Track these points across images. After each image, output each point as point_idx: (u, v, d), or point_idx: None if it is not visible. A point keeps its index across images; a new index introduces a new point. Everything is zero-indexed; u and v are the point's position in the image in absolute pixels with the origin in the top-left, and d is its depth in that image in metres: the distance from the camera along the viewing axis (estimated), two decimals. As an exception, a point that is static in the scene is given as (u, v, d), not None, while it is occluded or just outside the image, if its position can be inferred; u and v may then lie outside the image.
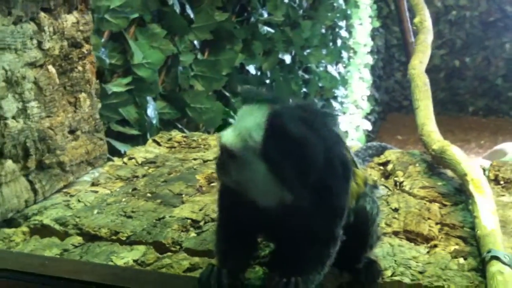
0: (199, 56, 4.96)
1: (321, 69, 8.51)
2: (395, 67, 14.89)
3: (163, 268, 2.04)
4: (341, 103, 9.77)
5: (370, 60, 11.82)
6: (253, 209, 1.58)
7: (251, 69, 5.83)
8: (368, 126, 11.59)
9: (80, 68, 2.80)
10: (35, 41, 2.51)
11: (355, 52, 10.68)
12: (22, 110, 2.46)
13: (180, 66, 4.67)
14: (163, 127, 4.52)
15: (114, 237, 2.28)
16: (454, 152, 2.59)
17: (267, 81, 6.34)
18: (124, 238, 2.27)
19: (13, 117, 2.41)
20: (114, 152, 3.86)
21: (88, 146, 2.89)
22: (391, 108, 15.19)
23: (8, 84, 2.36)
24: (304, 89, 7.74)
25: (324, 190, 1.56)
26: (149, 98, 4.25)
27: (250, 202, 1.56)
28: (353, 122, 10.66)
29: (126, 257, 2.13)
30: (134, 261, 2.11)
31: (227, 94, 5.44)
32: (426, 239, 2.23)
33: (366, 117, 11.87)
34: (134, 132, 4.11)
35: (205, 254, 2.11)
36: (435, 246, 2.18)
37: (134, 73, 4.13)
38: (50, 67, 2.61)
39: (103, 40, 3.80)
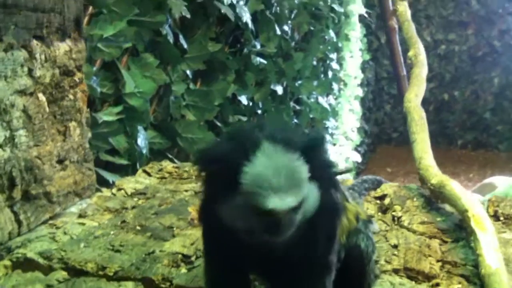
0: (192, 86, 4.91)
1: (312, 100, 8.51)
2: (385, 100, 14.99)
3: (153, 307, 1.94)
4: (332, 135, 9.75)
5: (360, 92, 11.86)
6: (244, 246, 1.49)
7: (243, 99, 5.79)
8: (358, 158, 11.56)
9: (71, 96, 2.73)
10: (25, 69, 2.43)
11: (345, 84, 10.73)
12: (10, 139, 2.37)
13: (172, 96, 4.61)
14: (153, 157, 4.43)
15: (101, 272, 2.18)
16: (454, 187, 2.52)
17: (259, 111, 6.30)
18: (111, 274, 2.16)
19: (0, 146, 2.32)
20: (103, 182, 3.76)
21: (77, 176, 2.80)
22: (381, 140, 15.24)
23: (-4, 112, 2.28)
24: (295, 120, 7.71)
25: (318, 222, 1.50)
26: (140, 128, 4.17)
27: (242, 240, 1.48)
28: (343, 154, 10.63)
29: (113, 294, 2.03)
30: (122, 298, 2.01)
31: (219, 124, 5.39)
32: (428, 277, 2.14)
33: (355, 149, 11.86)
34: (124, 161, 4.02)
35: (198, 290, 2.01)
36: (437, 285, 2.10)
37: (126, 102, 4.06)
38: (40, 95, 2.54)
39: (95, 68, 3.74)
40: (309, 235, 1.48)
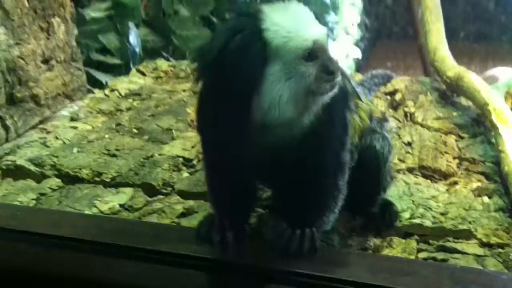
0: (185, -22, 4.58)
1: (312, -7, 8.11)
2: (386, -8, 14.42)
3: (154, 214, 1.81)
4: (332, 30, 9.41)
5: (361, -16, 11.35)
6: (246, 149, 1.31)
7: (239, -8, 5.46)
8: (358, 54, 11.28)
9: (51, -12, 2.47)
10: (-2, -43, 2.17)
11: (346, -24, 10.21)
12: (-14, 37, 2.15)
13: (163, -11, 4.31)
14: (147, 56, 4.21)
15: (97, 179, 2.04)
16: (472, 79, 2.34)
17: (257, 6, 5.97)
18: (108, 180, 2.03)
19: (-24, 45, 2.11)
20: (95, 83, 3.56)
21: (65, 77, 2.60)
22: (381, 34, 14.83)
23: (-32, 7, 2.05)
24: (294, 15, 7.38)
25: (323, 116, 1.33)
26: (131, 25, 3.93)
27: (244, 140, 1.30)
28: (343, 50, 10.35)
29: (111, 201, 1.90)
30: (121, 205, 1.88)
31: (215, 20, 5.11)
32: (445, 176, 2.02)
33: (356, 44, 11.55)
34: (116, 61, 3.82)
35: (200, 196, 1.87)
36: (455, 183, 1.97)
37: (114, -3, 3.80)
38: (17, -13, 2.28)
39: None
40: (322, 127, 1.31)
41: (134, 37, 3.97)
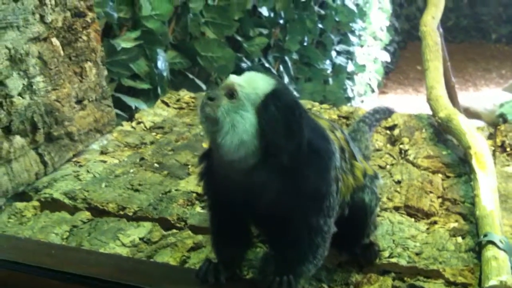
0: (210, 1, 4.85)
1: (338, 2, 8.28)
2: (417, -7, 14.41)
3: (168, 247, 2.12)
4: (359, 36, 9.57)
5: (390, -12, 11.44)
6: (237, 191, 1.61)
7: (264, 10, 5.71)
8: (387, 58, 11.39)
9: (84, 37, 2.79)
10: (37, 16, 2.49)
11: (374, -19, 10.32)
12: (28, 86, 2.48)
13: (190, 14, 4.58)
14: (174, 78, 4.51)
15: (121, 212, 2.35)
16: (460, 121, 2.56)
17: (281, 22, 6.21)
18: (131, 214, 2.34)
19: (19, 94, 2.44)
20: (125, 107, 3.88)
21: (96, 114, 2.92)
22: (412, 36, 14.80)
23: (12, 63, 2.38)
24: (320, 25, 7.57)
25: (302, 177, 1.59)
26: (159, 50, 4.21)
27: (229, 174, 1.60)
28: (371, 55, 10.48)
29: (132, 234, 2.21)
30: (140, 239, 2.19)
31: (239, 39, 5.37)
32: (427, 215, 2.26)
33: (385, 48, 11.65)
34: (145, 86, 4.11)
35: (208, 231, 2.16)
36: (435, 222, 2.21)
37: (143, 26, 4.08)
38: (54, 40, 2.61)
39: (109, -6, 3.75)
40: (291, 194, 1.58)
41: (162, 62, 4.25)
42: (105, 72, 3.00)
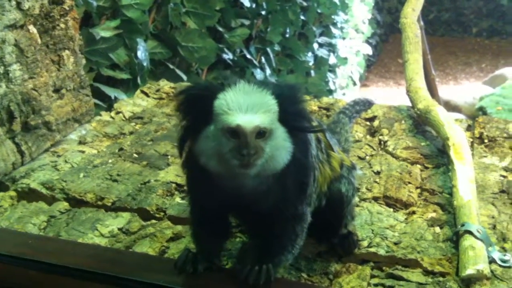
0: (191, -9, 4.82)
1: (321, -6, 8.27)
2: (399, -14, 14.47)
3: (147, 238, 2.10)
4: (341, 29, 9.58)
5: (372, -19, 11.45)
6: (224, 189, 1.60)
7: (246, 1, 5.67)
8: (369, 50, 11.42)
9: (62, 25, 2.75)
10: (13, 2, 2.45)
11: (356, -26, 10.33)
12: (4, 74, 2.44)
13: (171, 3, 4.54)
14: (155, 68, 4.47)
15: (99, 203, 2.33)
16: (439, 112, 2.58)
17: (263, 13, 6.19)
18: (109, 204, 2.32)
19: (-5, 82, 2.39)
20: (104, 97, 3.84)
21: (74, 103, 2.89)
22: (394, 29, 14.85)
23: (-13, 50, 2.33)
24: (302, 17, 7.57)
25: (289, 169, 1.59)
26: (139, 40, 4.17)
27: (222, 182, 1.59)
28: (353, 47, 10.50)
29: (111, 225, 2.19)
30: (119, 229, 2.17)
31: (221, 29, 5.34)
32: (405, 205, 2.27)
33: (367, 41, 11.68)
34: (124, 76, 4.07)
35: (187, 222, 2.14)
36: (413, 213, 2.22)
37: (123, 15, 4.04)
38: (31, 27, 2.57)
39: (89, -17, 3.69)
40: (278, 187, 1.58)
41: (142, 52, 4.21)
42: (83, 61, 2.96)
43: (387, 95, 10.71)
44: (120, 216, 2.25)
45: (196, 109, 1.54)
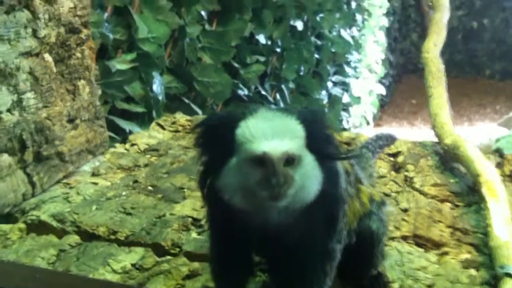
0: (207, 27, 4.80)
1: (334, 34, 8.29)
2: (411, 28, 14.56)
3: (161, 275, 1.97)
4: (354, 68, 9.56)
5: (385, 22, 11.50)
6: (248, 224, 1.48)
7: (261, 38, 5.66)
8: (382, 90, 11.38)
9: (78, 54, 2.69)
10: (29, 30, 2.39)
11: (370, 14, 10.37)
12: (17, 102, 2.36)
13: (187, 38, 4.51)
14: (170, 102, 4.41)
15: (112, 237, 2.21)
16: (468, 148, 2.46)
17: (278, 50, 6.17)
18: (122, 238, 2.20)
19: (8, 110, 2.32)
20: (119, 131, 3.76)
21: (88, 134, 2.80)
22: (406, 70, 14.91)
23: (2, 77, 2.26)
24: (317, 56, 7.55)
25: (318, 201, 1.47)
26: (155, 74, 4.12)
27: (247, 217, 1.47)
28: (366, 87, 10.47)
29: (123, 260, 2.06)
30: (132, 265, 2.05)
31: (236, 65, 5.30)
32: (437, 245, 2.13)
33: (380, 81, 11.66)
34: (140, 109, 4.00)
35: (205, 258, 2.03)
36: (446, 253, 2.09)
37: (139, 48, 4.00)
38: (47, 56, 2.50)
39: (106, 15, 3.67)
40: (306, 221, 1.46)
41: (157, 86, 4.15)
42: (99, 91, 2.89)
43: (401, 135, 10.58)
44: (134, 251, 2.13)
45: (217, 140, 1.43)
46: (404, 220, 2.27)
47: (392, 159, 2.82)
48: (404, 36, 14.62)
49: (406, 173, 2.65)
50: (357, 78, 9.80)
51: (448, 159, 2.69)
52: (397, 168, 2.74)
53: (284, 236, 1.48)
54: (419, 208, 2.34)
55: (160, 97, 4.16)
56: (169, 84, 4.45)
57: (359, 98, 9.68)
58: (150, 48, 4.07)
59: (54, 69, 2.55)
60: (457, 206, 2.39)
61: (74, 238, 2.22)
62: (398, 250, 2.08)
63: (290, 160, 1.36)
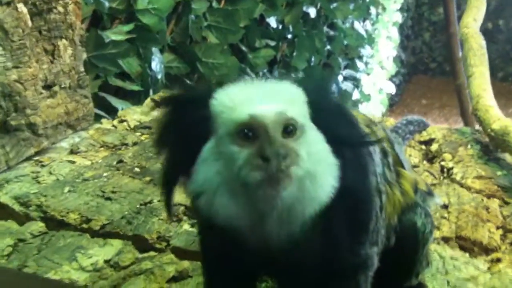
0: (214, 4, 4.40)
1: (348, 25, 7.92)
2: (424, 27, 14.17)
3: (141, 275, 1.57)
4: (366, 63, 9.18)
5: (399, 18, 11.10)
6: (246, 244, 1.06)
7: (272, 21, 5.27)
8: (392, 89, 10.98)
9: (60, 8, 2.28)
10: (-2, -28, 1.98)
11: (384, 9, 9.99)
12: (-20, 59, 1.96)
13: (192, 15, 4.13)
14: (170, 83, 4.03)
15: (84, 226, 1.82)
16: (522, 135, 2.04)
17: (289, 36, 5.78)
18: (97, 228, 1.80)
19: (-33, 67, 1.91)
20: (110, 109, 3.37)
21: (69, 104, 2.39)
22: (417, 70, 14.51)
23: (-41, 25, 1.85)
24: (328, 47, 7.17)
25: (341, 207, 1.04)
26: (154, 50, 3.74)
27: (240, 236, 1.04)
28: (376, 84, 10.07)
29: (95, 255, 1.67)
30: (106, 261, 1.65)
31: (244, 48, 4.91)
32: (486, 250, 1.72)
33: (390, 79, 11.26)
34: (135, 87, 3.61)
35: (197, 256, 1.61)
36: (498, 260, 1.67)
37: (138, 20, 3.60)
38: (20, 6, 2.10)
39: (102, -21, 3.27)
40: (324, 232, 1.04)
41: (157, 63, 3.79)
42: (84, 55, 2.49)
43: (411, 136, 10.19)
44: (109, 244, 1.73)
45: (185, 123, 1.01)
46: (444, 218, 1.86)
47: (423, 147, 2.41)
48: (416, 35, 14.23)
49: (442, 163, 2.23)
50: (368, 74, 9.41)
51: (492, 148, 2.26)
52: (430, 157, 2.33)
53: (295, 255, 1.05)
54: (461, 205, 1.92)
55: (159, 76, 3.79)
56: (170, 63, 4.08)
57: (369, 95, 9.29)
58: (150, 20, 3.68)
59: (30, 23, 2.14)
60: (507, 203, 1.97)
61: (38, 226, 1.82)
62: (440, 255, 1.67)
63: (290, 130, 0.95)
